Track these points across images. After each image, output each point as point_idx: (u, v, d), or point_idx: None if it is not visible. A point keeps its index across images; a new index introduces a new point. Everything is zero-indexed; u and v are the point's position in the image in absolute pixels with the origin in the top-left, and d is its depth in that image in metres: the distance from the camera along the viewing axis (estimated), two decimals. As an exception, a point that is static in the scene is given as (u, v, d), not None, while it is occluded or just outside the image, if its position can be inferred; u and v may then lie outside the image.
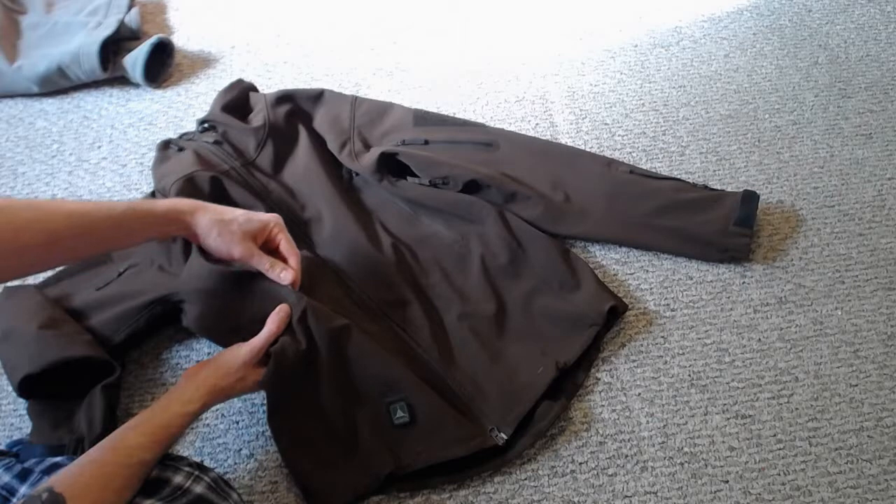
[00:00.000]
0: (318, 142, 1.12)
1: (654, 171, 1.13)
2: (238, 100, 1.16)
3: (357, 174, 1.10)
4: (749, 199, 1.05)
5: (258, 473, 0.88)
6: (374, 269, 0.99)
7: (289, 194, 1.07)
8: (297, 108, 1.15)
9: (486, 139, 1.13)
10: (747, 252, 1.03)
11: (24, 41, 1.30)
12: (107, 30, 1.27)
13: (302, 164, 1.10)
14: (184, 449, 0.90)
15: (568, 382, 0.93)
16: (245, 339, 0.84)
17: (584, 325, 0.95)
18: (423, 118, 1.16)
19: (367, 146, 1.11)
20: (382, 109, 1.17)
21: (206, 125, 1.12)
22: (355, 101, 1.17)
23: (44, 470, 0.72)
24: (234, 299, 0.91)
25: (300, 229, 1.04)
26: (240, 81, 1.19)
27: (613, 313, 0.97)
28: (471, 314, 0.96)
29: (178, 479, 0.73)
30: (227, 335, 0.90)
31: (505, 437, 0.86)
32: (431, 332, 0.95)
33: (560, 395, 0.91)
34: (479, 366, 0.92)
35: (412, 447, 0.85)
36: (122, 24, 1.30)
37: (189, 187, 1.00)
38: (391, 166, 1.08)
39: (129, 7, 1.35)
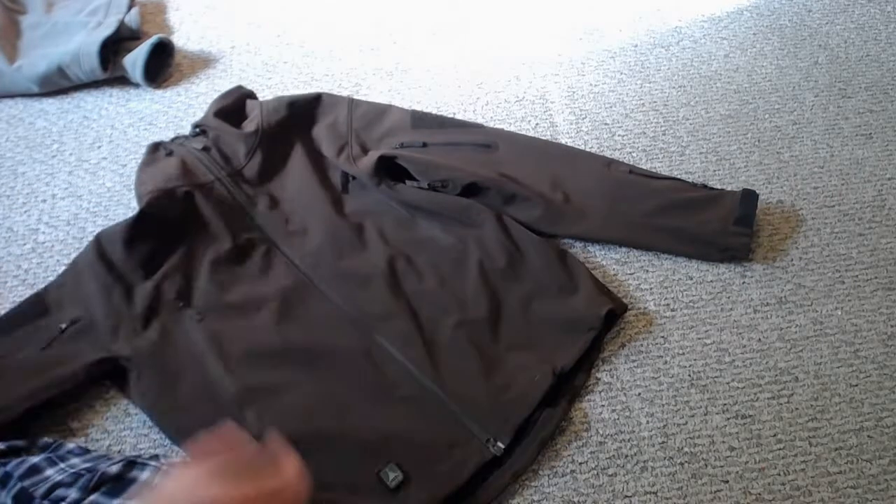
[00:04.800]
0: (312, 149, 1.11)
1: (653, 171, 1.13)
2: (234, 106, 1.14)
3: (353, 178, 1.09)
4: (748, 198, 1.05)
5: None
6: (364, 282, 0.98)
7: (274, 206, 1.05)
8: (293, 114, 1.13)
9: (485, 140, 1.13)
10: (747, 252, 1.03)
11: (24, 41, 1.30)
12: (107, 30, 1.27)
13: (294, 174, 1.08)
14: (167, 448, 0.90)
15: (567, 386, 0.92)
16: (190, 427, 0.80)
17: (582, 330, 0.94)
18: (421, 119, 1.16)
19: (365, 150, 1.10)
20: (380, 111, 1.16)
21: (198, 129, 1.11)
22: (352, 103, 1.16)
23: (21, 475, 0.71)
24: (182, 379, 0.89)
25: (284, 241, 1.02)
26: (238, 88, 1.18)
27: (612, 316, 0.96)
28: (467, 320, 0.95)
29: (145, 475, 0.72)
30: (169, 416, 0.87)
31: (502, 446, 0.85)
32: (423, 345, 0.92)
33: (559, 400, 0.91)
34: (475, 376, 0.90)
35: (417, 498, 0.82)
36: (122, 24, 1.30)
37: (162, 201, 0.99)
38: (389, 169, 1.07)
39: (129, 7, 1.35)
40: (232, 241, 1.01)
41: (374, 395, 0.89)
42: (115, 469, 0.73)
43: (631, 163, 1.14)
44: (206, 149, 1.08)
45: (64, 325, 0.92)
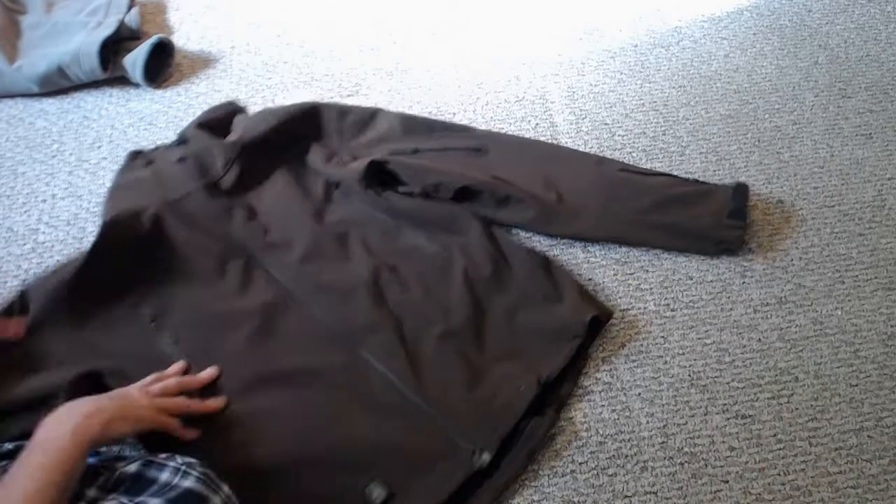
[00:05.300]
0: (296, 160, 1.10)
1: (644, 167, 1.13)
2: (222, 120, 1.12)
3: (337, 186, 1.07)
4: (740, 191, 1.06)
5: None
6: (348, 293, 0.96)
7: (252, 217, 1.03)
8: (277, 126, 1.10)
9: (475, 144, 1.12)
10: (741, 243, 1.04)
11: (24, 41, 1.30)
12: (107, 30, 1.27)
13: (274, 185, 1.07)
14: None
15: (553, 395, 0.91)
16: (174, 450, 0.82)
17: (567, 338, 0.93)
18: (410, 125, 1.14)
19: (355, 157, 1.09)
20: (368, 118, 1.15)
21: (179, 139, 1.09)
22: (340, 112, 1.14)
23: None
24: None
25: (263, 253, 1.00)
26: (230, 103, 1.16)
27: (597, 323, 0.95)
28: (452, 331, 0.93)
29: (164, 476, 0.72)
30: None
31: (488, 457, 0.84)
32: (407, 357, 0.91)
33: (546, 409, 0.90)
34: (459, 387, 0.89)
35: None
36: (122, 24, 1.30)
37: (127, 222, 0.97)
38: (379, 176, 1.06)
39: (129, 7, 1.35)
40: (207, 257, 0.98)
41: (359, 410, 0.87)
42: (133, 469, 0.73)
43: (631, 163, 1.14)
44: (182, 159, 1.06)
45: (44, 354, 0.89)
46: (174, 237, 0.99)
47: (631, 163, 1.14)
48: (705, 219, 1.04)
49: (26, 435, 0.74)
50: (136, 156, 1.08)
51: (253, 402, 0.87)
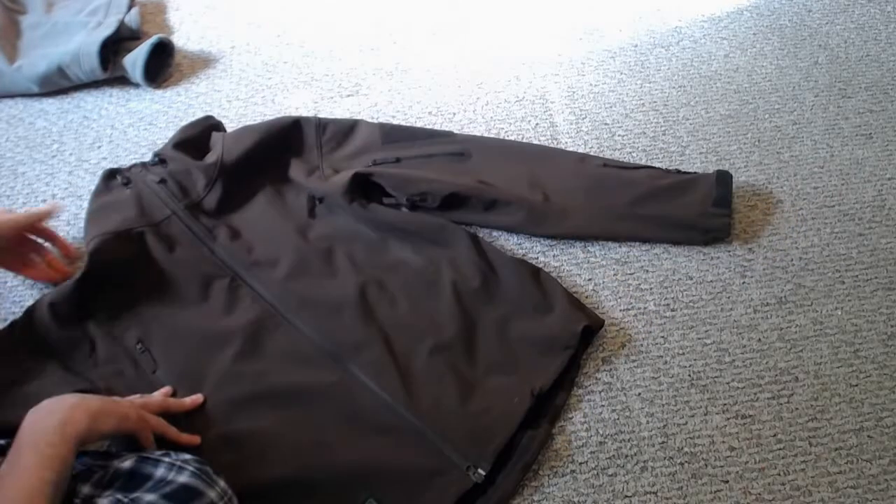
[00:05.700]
0: (277, 177, 1.09)
1: (626, 161, 1.14)
2: (199, 137, 1.11)
3: (320, 201, 1.06)
4: (723, 179, 1.07)
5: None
6: (335, 310, 0.95)
7: (236, 237, 1.02)
8: (257, 143, 1.09)
9: (458, 149, 1.12)
10: (728, 231, 1.05)
11: (24, 41, 1.30)
12: (107, 30, 1.27)
13: (257, 203, 1.06)
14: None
15: (548, 406, 0.91)
16: None
17: (559, 349, 0.92)
18: (390, 134, 1.13)
19: (336, 171, 1.08)
20: (347, 130, 1.14)
21: (157, 159, 1.08)
22: (319, 125, 1.13)
23: None
24: None
25: (248, 272, 0.99)
26: (206, 119, 1.15)
27: (588, 332, 0.95)
28: (442, 345, 0.92)
29: (159, 472, 0.72)
30: None
31: (483, 472, 0.83)
32: (398, 373, 0.89)
33: (541, 421, 0.89)
34: (452, 402, 0.88)
35: None
36: (122, 24, 1.30)
37: (112, 245, 0.96)
38: (363, 189, 1.05)
39: (129, 7, 1.35)
40: (192, 278, 0.97)
41: (350, 428, 0.86)
42: (127, 465, 0.73)
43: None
44: (162, 181, 1.04)
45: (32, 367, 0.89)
46: (158, 260, 0.98)
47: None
48: (691, 209, 1.05)
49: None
50: (112, 175, 1.06)
51: (241, 422, 0.86)
